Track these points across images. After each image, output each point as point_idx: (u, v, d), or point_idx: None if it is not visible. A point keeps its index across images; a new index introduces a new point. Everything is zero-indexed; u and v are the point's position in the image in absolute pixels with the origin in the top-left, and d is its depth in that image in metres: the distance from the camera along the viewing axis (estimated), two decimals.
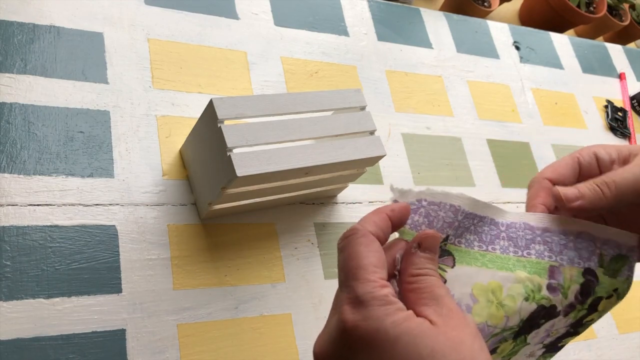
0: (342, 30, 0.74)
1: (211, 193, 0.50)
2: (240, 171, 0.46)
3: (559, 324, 0.39)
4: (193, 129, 0.52)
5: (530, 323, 0.37)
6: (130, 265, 0.49)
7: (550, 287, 0.38)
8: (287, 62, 0.67)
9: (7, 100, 0.50)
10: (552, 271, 0.38)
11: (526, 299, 0.37)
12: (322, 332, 0.32)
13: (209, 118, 0.48)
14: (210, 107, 0.48)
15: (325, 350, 0.31)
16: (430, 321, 0.30)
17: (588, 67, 0.97)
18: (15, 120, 0.50)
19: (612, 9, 2.16)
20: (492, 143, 0.77)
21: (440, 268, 0.37)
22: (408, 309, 0.31)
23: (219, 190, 0.48)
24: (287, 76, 0.66)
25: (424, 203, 0.38)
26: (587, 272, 0.39)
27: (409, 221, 0.37)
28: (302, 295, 0.54)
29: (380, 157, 0.55)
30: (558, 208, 0.40)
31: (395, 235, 0.38)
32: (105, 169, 0.51)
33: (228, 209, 0.53)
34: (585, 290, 0.39)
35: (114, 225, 0.50)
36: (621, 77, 1.00)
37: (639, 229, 0.40)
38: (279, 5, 0.71)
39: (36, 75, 0.53)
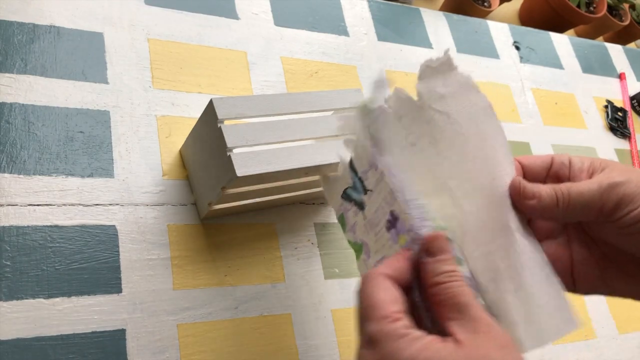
0: (342, 30, 0.74)
1: (211, 193, 0.50)
2: (240, 171, 0.46)
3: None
4: (193, 129, 0.52)
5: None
6: (130, 265, 0.49)
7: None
8: (287, 62, 0.67)
9: (7, 100, 0.50)
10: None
11: None
12: None
13: (209, 118, 0.48)
14: (210, 107, 0.48)
15: None
16: (457, 340, 0.29)
17: (588, 67, 0.97)
18: (15, 120, 0.50)
19: (612, 9, 2.16)
20: None
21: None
22: (439, 324, 0.31)
23: (219, 190, 0.48)
24: (287, 76, 0.66)
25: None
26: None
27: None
28: (302, 295, 0.54)
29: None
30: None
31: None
32: (105, 169, 0.51)
33: (228, 209, 0.53)
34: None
35: (114, 225, 0.50)
36: (621, 77, 1.00)
37: (601, 243, 0.39)
38: (279, 5, 0.71)
39: (36, 75, 0.53)
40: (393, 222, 0.39)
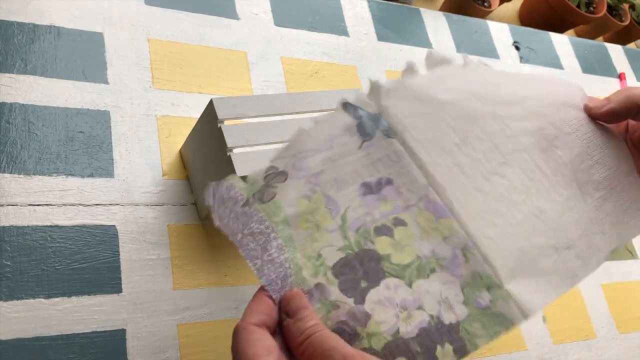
0: (342, 30, 0.74)
1: None
2: (240, 171, 0.46)
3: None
4: (193, 129, 0.52)
5: None
6: (130, 265, 0.49)
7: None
8: (287, 62, 0.67)
9: (7, 100, 0.50)
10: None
11: None
12: None
13: (209, 118, 0.48)
14: (210, 107, 0.48)
15: None
16: None
17: (588, 67, 0.97)
18: (16, 120, 0.50)
19: (612, 9, 2.16)
20: None
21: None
22: None
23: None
24: (287, 76, 0.66)
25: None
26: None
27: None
28: None
29: None
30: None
31: None
32: (105, 169, 0.51)
33: None
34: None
35: (114, 225, 0.50)
36: (621, 77, 1.00)
37: None
38: (279, 5, 0.71)
39: (36, 75, 0.53)
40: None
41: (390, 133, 0.40)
